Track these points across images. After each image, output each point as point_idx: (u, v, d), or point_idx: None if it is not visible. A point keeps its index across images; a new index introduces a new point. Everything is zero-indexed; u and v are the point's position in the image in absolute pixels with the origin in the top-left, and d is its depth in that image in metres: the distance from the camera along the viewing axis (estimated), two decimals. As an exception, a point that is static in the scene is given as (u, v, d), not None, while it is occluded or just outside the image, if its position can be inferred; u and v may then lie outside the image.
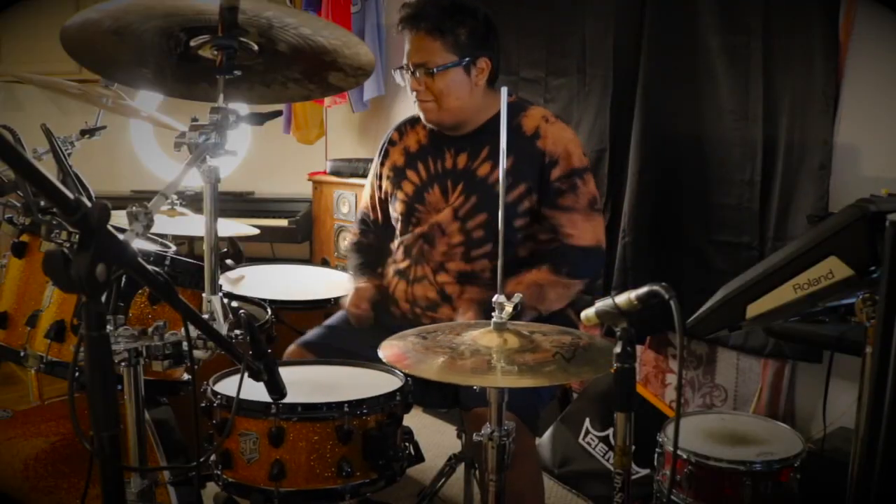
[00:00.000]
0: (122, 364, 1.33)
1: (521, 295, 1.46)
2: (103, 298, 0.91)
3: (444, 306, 2.00)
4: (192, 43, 1.44)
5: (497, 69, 2.01)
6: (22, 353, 1.73)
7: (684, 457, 1.77)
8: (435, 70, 1.90)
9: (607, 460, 2.51)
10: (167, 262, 1.77)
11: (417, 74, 1.92)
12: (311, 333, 2.10)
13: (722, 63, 2.63)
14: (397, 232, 2.13)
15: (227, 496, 1.71)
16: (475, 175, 1.98)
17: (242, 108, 1.43)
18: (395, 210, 2.12)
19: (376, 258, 2.20)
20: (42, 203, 1.66)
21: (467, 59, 1.91)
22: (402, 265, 2.08)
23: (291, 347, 2.06)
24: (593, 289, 2.95)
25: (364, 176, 3.52)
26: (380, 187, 2.19)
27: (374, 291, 2.10)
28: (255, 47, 1.46)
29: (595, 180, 2.06)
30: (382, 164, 2.17)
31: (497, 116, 1.98)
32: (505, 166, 1.45)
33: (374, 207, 2.24)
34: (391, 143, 2.17)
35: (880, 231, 1.07)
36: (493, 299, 1.44)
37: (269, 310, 2.22)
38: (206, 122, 1.35)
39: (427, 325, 1.96)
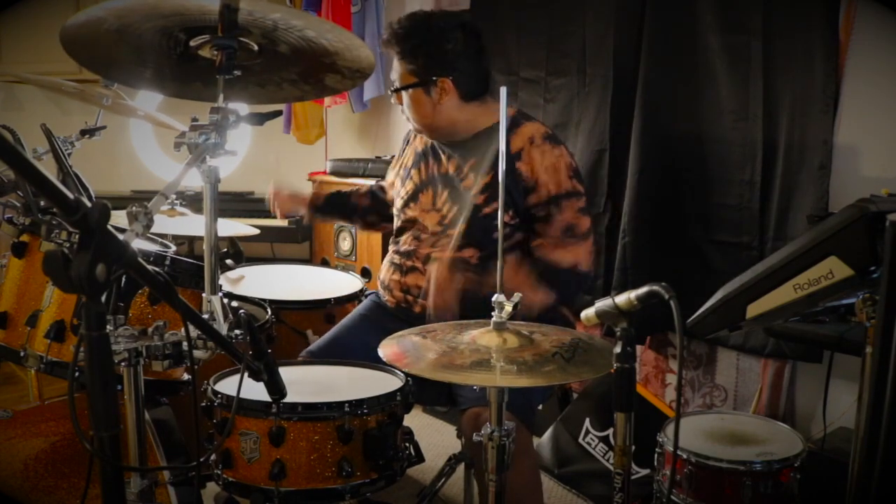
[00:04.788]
0: (122, 364, 1.33)
1: (521, 294, 1.46)
2: (103, 298, 0.91)
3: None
4: (192, 43, 1.44)
5: (473, 85, 2.05)
6: (22, 353, 1.73)
7: (684, 457, 1.77)
8: (399, 88, 2.06)
9: (607, 460, 2.52)
10: (167, 262, 1.77)
11: (391, 90, 2.10)
12: (317, 343, 2.14)
13: (722, 63, 2.63)
14: (394, 224, 2.23)
15: (228, 496, 1.71)
16: (459, 185, 2.06)
17: (242, 108, 1.43)
18: (395, 206, 2.22)
19: (348, 202, 2.45)
20: (42, 203, 1.66)
21: (425, 81, 2.02)
22: (396, 258, 2.16)
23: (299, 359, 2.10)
24: (593, 289, 2.97)
25: (364, 176, 3.54)
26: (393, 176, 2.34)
27: (312, 198, 2.41)
28: (255, 48, 1.46)
29: (595, 180, 2.08)
30: (398, 159, 2.32)
31: (490, 129, 2.03)
32: (503, 169, 1.46)
33: (387, 187, 2.43)
34: (407, 141, 2.31)
35: (880, 231, 1.06)
36: (493, 299, 1.44)
37: (269, 310, 2.22)
38: (206, 122, 1.35)
39: (419, 312, 2.03)
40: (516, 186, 1.97)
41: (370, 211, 2.45)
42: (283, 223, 3.85)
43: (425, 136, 2.15)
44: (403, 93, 2.06)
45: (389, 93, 2.10)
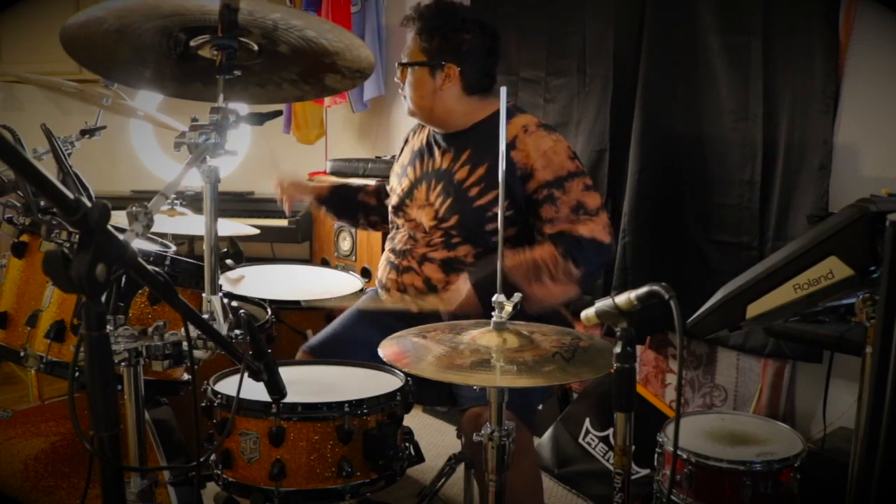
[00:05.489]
0: (122, 364, 1.33)
1: (520, 295, 1.46)
2: (103, 298, 0.91)
3: (431, 296, 2.05)
4: (192, 43, 1.44)
5: (477, 80, 2.07)
6: (22, 353, 1.73)
7: (684, 457, 1.77)
8: (406, 64, 2.09)
9: (607, 460, 2.52)
10: (167, 262, 1.77)
11: (398, 64, 2.13)
12: (316, 338, 2.15)
13: (722, 63, 2.63)
14: (389, 222, 2.26)
15: (228, 496, 1.71)
16: (453, 177, 2.06)
17: (242, 108, 1.43)
18: (391, 203, 2.24)
19: (355, 198, 2.49)
20: (42, 203, 1.66)
21: (433, 63, 2.05)
22: (392, 257, 2.17)
23: (298, 355, 2.11)
24: (593, 289, 2.97)
25: (364, 176, 3.54)
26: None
27: (317, 189, 2.46)
28: (255, 48, 1.46)
29: (595, 181, 2.07)
30: (397, 160, 2.34)
31: (484, 121, 2.05)
32: (504, 168, 1.46)
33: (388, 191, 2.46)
34: (406, 141, 2.33)
35: (880, 231, 1.07)
36: (493, 299, 1.44)
37: (269, 310, 2.22)
38: (206, 122, 1.35)
39: (417, 313, 2.02)
40: (512, 175, 1.97)
41: (375, 210, 2.48)
42: (284, 223, 3.85)
43: (418, 118, 2.16)
44: (409, 71, 2.08)
45: (396, 66, 2.12)
